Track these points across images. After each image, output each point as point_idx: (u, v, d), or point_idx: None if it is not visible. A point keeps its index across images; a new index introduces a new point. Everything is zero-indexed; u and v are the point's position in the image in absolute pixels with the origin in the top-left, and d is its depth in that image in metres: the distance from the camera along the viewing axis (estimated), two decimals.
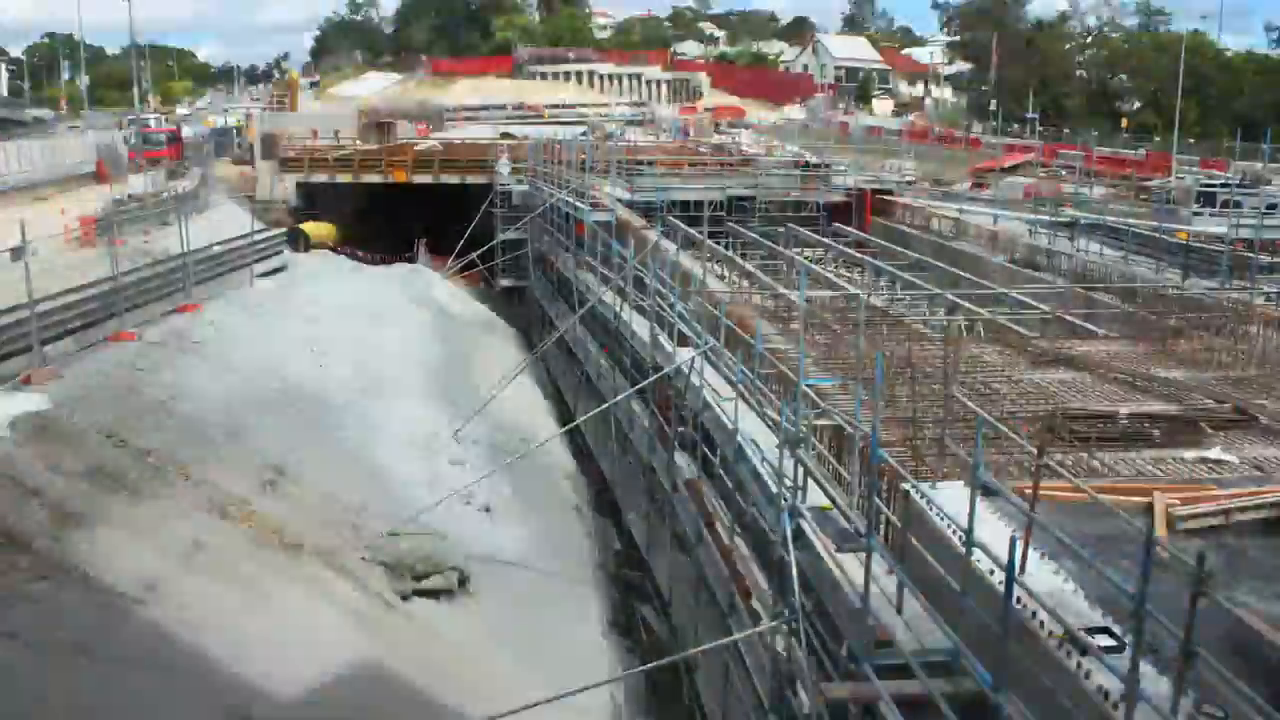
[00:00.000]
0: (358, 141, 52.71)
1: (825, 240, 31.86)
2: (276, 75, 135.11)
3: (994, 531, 8.23)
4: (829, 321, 17.52)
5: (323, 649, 12.54)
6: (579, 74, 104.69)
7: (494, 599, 15.99)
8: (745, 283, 23.60)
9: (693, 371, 14.72)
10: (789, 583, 9.86)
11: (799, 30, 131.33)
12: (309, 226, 41.90)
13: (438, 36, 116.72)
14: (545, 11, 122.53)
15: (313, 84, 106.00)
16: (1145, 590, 5.20)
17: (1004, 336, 17.02)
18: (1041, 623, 6.78)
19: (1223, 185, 35.20)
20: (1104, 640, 6.42)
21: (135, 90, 59.70)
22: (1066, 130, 74.36)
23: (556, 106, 79.42)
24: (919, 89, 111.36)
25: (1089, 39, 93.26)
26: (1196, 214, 32.86)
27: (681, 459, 15.60)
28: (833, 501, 9.67)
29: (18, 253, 19.49)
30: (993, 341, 16.75)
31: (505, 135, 55.83)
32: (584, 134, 44.64)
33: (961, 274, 24.61)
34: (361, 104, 70.24)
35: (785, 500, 10.10)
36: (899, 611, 8.12)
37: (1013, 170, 49.85)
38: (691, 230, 25.24)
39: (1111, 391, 13.54)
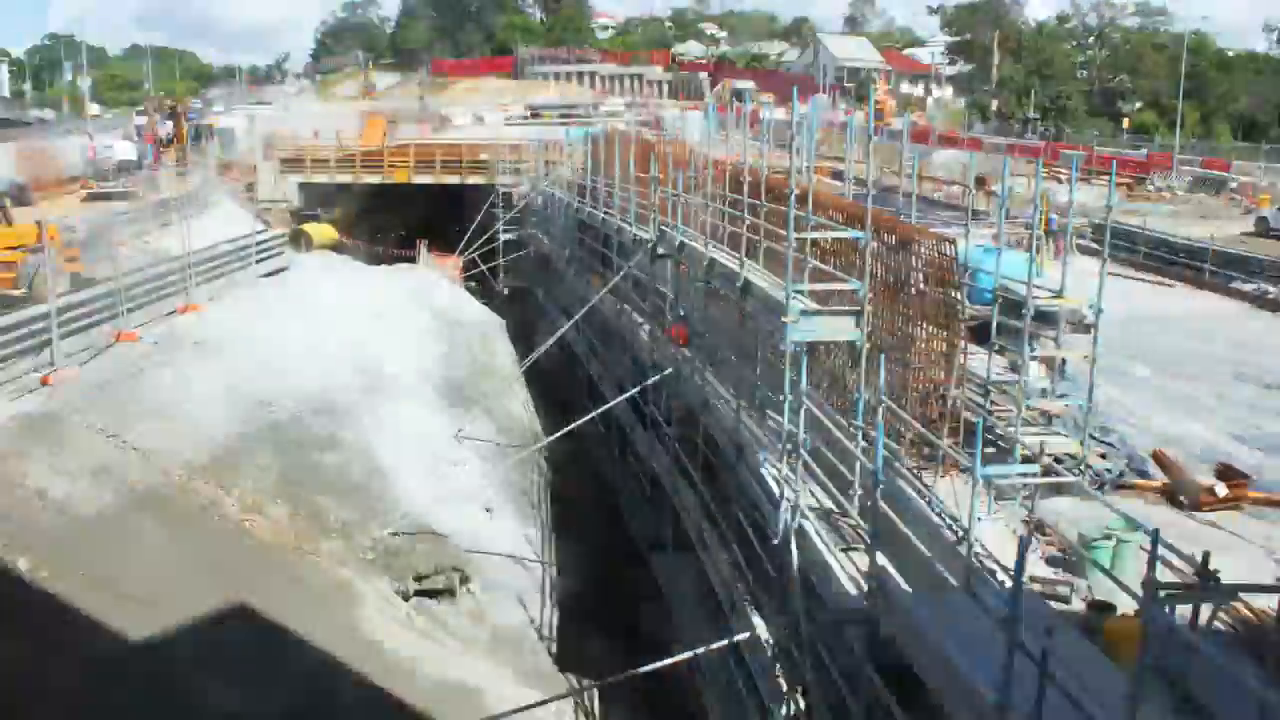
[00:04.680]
0: (360, 143, 52.71)
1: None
2: (278, 75, 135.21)
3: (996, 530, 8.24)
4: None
5: (324, 649, 12.56)
6: (580, 75, 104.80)
7: (495, 599, 16.00)
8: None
9: (694, 372, 14.74)
10: (789, 583, 9.88)
11: (799, 30, 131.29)
12: (311, 227, 41.91)
13: (438, 37, 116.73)
14: (546, 13, 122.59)
15: (314, 81, 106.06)
16: None
17: None
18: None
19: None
20: None
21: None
22: (1068, 130, 74.35)
23: (560, 107, 79.37)
24: (920, 89, 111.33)
25: (1090, 39, 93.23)
26: None
27: (682, 459, 15.62)
28: (835, 502, 9.68)
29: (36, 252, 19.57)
30: None
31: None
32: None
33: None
34: (367, 106, 69.63)
35: (786, 500, 10.11)
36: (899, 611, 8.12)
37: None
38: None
39: None
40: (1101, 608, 9.82)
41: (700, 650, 13.19)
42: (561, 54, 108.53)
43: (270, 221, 36.30)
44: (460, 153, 47.52)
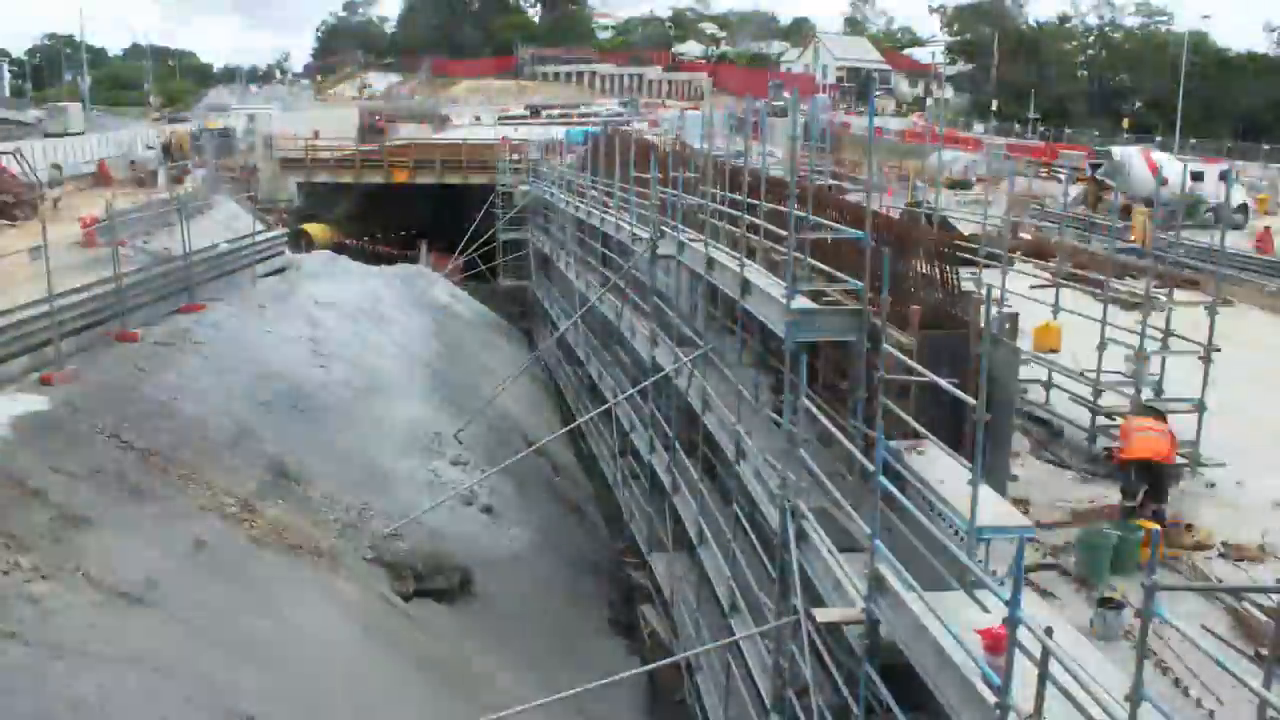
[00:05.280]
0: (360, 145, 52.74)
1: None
2: (278, 75, 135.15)
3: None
4: None
5: (324, 650, 12.56)
6: (580, 74, 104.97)
7: (495, 599, 16.01)
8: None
9: (694, 372, 14.73)
10: (790, 583, 9.87)
11: (800, 30, 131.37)
12: (311, 227, 41.95)
13: (438, 37, 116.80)
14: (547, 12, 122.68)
15: (313, 81, 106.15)
16: None
17: None
18: None
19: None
20: None
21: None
22: (1068, 130, 74.31)
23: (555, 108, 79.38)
24: (920, 89, 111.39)
25: (1090, 39, 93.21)
26: None
27: (682, 459, 15.61)
28: (835, 502, 9.67)
29: (36, 251, 19.58)
30: None
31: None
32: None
33: None
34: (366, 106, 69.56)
35: (787, 500, 10.11)
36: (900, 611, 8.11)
37: None
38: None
39: None
40: (1108, 603, 9.83)
41: (700, 650, 13.20)
42: (562, 54, 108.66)
43: (270, 221, 36.30)
44: (460, 153, 47.53)
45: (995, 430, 10.29)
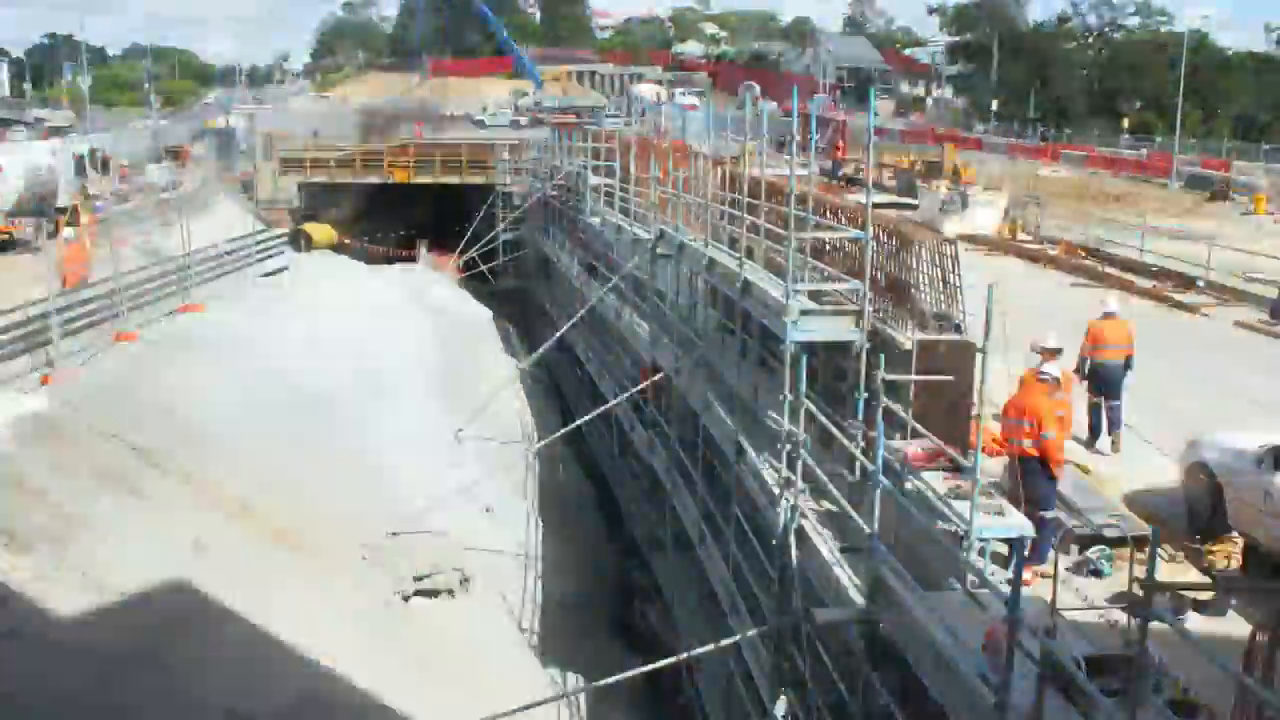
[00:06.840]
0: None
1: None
2: (277, 75, 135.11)
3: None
4: None
5: (324, 649, 12.55)
6: (580, 74, 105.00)
7: (494, 599, 16.00)
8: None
9: (694, 372, 14.74)
10: (790, 583, 9.88)
11: (800, 30, 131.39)
12: (311, 227, 41.99)
13: (438, 36, 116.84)
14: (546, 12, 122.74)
15: (313, 81, 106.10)
16: None
17: None
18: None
19: None
20: None
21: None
22: (1068, 130, 74.27)
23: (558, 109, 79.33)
24: (920, 89, 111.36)
25: (1090, 39, 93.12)
26: None
27: (682, 459, 15.62)
28: (836, 502, 9.67)
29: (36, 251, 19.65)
30: None
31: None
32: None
33: None
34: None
35: (785, 500, 10.11)
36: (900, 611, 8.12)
37: None
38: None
39: None
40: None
41: (700, 650, 13.19)
42: (561, 54, 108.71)
43: (270, 221, 36.34)
44: (460, 153, 47.58)
45: None
